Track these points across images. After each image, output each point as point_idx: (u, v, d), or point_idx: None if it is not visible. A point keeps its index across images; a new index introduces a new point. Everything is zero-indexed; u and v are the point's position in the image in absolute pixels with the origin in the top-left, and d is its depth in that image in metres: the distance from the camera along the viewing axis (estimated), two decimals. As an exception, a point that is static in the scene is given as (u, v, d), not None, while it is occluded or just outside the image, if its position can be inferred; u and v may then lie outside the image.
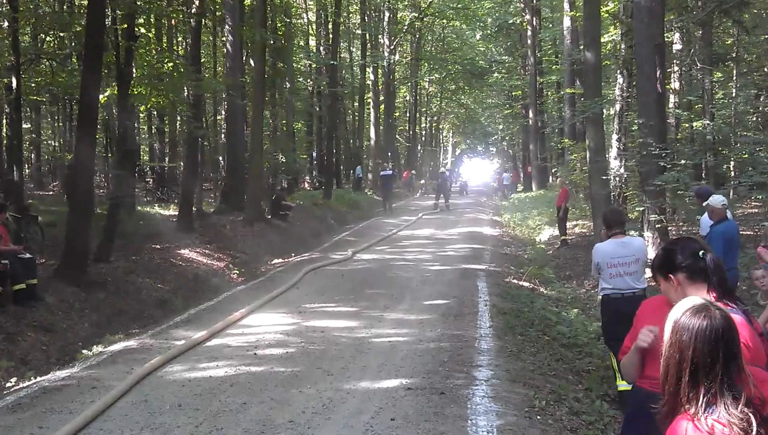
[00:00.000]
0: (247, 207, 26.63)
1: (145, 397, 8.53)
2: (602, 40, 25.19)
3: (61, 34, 26.81)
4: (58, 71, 25.78)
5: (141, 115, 37.18)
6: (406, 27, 59.99)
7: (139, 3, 21.34)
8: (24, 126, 28.38)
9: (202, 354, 10.53)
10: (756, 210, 21.20)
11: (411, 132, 73.78)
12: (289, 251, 23.44)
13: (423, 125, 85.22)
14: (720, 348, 2.86)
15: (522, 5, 50.86)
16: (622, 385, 8.95)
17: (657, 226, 16.89)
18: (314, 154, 51.64)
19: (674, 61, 26.00)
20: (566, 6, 37.12)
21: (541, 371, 9.87)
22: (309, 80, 49.74)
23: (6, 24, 23.05)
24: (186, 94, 26.35)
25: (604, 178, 20.52)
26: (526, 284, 17.59)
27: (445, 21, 61.91)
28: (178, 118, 34.26)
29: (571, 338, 12.33)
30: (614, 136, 25.47)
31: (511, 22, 54.95)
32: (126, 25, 19.85)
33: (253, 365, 9.86)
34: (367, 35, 53.09)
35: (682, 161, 18.22)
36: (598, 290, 9.87)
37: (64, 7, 28.39)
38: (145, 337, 12.02)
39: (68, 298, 14.60)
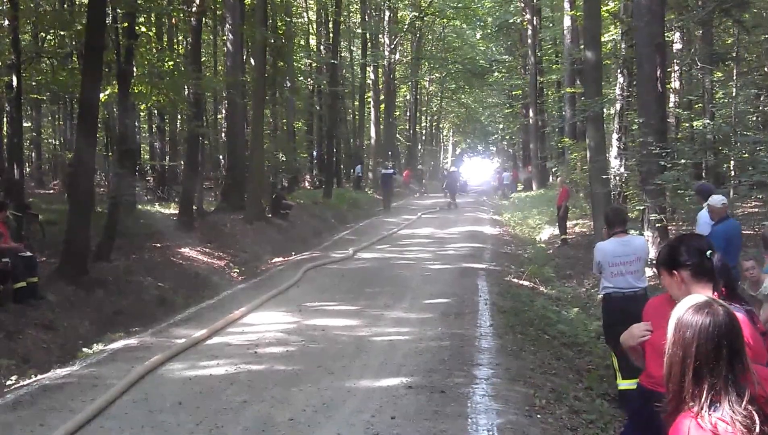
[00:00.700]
0: (248, 206, 26.64)
1: (145, 395, 8.54)
2: (602, 39, 25.18)
3: (62, 33, 26.76)
4: (59, 70, 25.80)
5: (141, 113, 37.14)
6: (406, 26, 60.03)
7: (139, 2, 21.32)
8: (24, 124, 28.34)
9: (202, 352, 10.55)
10: (756, 209, 21.19)
11: (411, 131, 73.76)
12: (290, 250, 23.44)
13: (423, 124, 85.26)
14: (723, 345, 2.85)
15: (522, 4, 50.83)
16: (623, 384, 8.96)
17: (657, 225, 16.89)
18: (314, 153, 51.64)
19: (674, 60, 25.99)
20: (566, 5, 37.08)
21: (542, 370, 9.88)
22: (309, 79, 49.71)
23: (6, 22, 23.02)
24: (186, 92, 26.32)
25: (604, 177, 20.50)
26: (526, 283, 17.60)
27: (445, 20, 61.91)
28: (179, 116, 34.24)
29: (572, 337, 12.34)
30: (614, 136, 25.45)
31: (511, 21, 54.94)
32: (126, 24, 19.86)
33: (254, 364, 9.87)
34: (368, 34, 53.09)
35: (683, 160, 18.20)
36: (599, 289, 9.87)
37: (65, 5, 28.36)
38: (145, 336, 12.03)
39: (69, 297, 14.60)
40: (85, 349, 11.79)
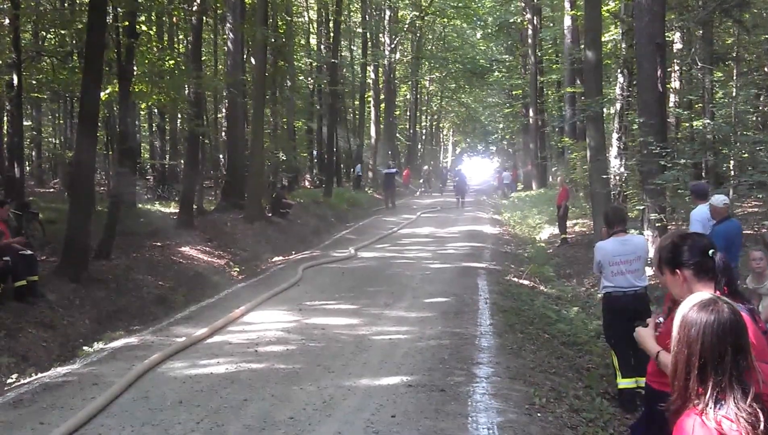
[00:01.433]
0: (248, 205, 26.65)
1: (146, 394, 8.55)
2: (603, 39, 25.19)
3: (63, 32, 26.78)
4: (59, 68, 25.81)
5: (142, 112, 37.21)
6: (406, 26, 60.04)
7: (140, 1, 21.33)
8: (25, 123, 28.34)
9: (202, 351, 10.55)
10: (756, 209, 21.21)
11: (411, 130, 73.82)
12: (290, 249, 23.47)
13: (423, 124, 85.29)
14: (728, 342, 2.86)
15: (523, 4, 50.84)
16: (622, 383, 8.99)
17: (657, 224, 16.89)
18: (314, 153, 51.65)
19: (675, 60, 25.99)
20: (567, 5, 37.05)
21: (542, 369, 9.88)
22: (310, 78, 49.74)
23: (7, 21, 23.05)
24: (187, 91, 26.34)
25: (604, 176, 20.53)
26: (526, 282, 17.61)
27: (445, 20, 61.89)
28: (179, 115, 34.23)
29: (571, 336, 12.34)
30: (614, 135, 25.46)
31: (511, 21, 54.98)
32: (127, 23, 19.86)
33: (254, 362, 9.88)
34: (368, 34, 53.10)
35: (683, 160, 18.20)
36: (599, 288, 9.88)
37: (66, 4, 28.37)
38: (145, 334, 12.04)
39: (69, 295, 14.61)
40: (85, 348, 11.81)
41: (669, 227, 16.74)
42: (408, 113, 74.35)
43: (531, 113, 49.82)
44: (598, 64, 21.34)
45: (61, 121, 38.96)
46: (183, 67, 24.90)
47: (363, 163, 52.83)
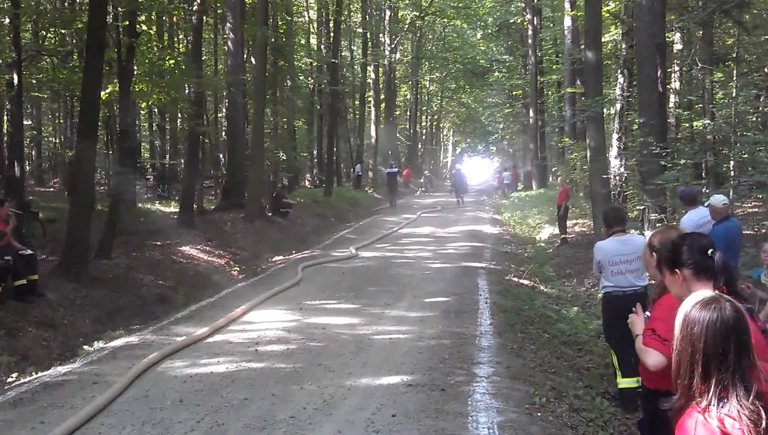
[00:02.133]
0: (248, 204, 26.66)
1: (146, 393, 8.56)
2: (603, 39, 25.18)
3: (63, 31, 26.78)
4: (60, 68, 25.78)
5: (142, 112, 37.22)
6: (407, 26, 60.07)
7: (140, 0, 21.33)
8: (25, 122, 28.35)
9: (203, 350, 10.56)
10: (756, 209, 21.21)
11: (411, 130, 73.85)
12: (290, 248, 23.47)
13: (423, 124, 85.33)
14: (731, 339, 2.86)
15: (523, 4, 50.79)
16: (623, 383, 8.99)
17: (657, 225, 16.89)
18: (315, 152, 51.66)
19: (675, 60, 26.00)
20: (567, 5, 37.06)
21: (542, 368, 9.89)
22: (310, 78, 49.75)
23: (7, 20, 23.03)
24: (187, 91, 26.35)
25: (604, 177, 20.53)
26: (526, 282, 17.61)
27: (446, 20, 61.93)
28: (179, 115, 34.25)
29: (572, 336, 12.36)
30: (615, 136, 25.44)
31: (512, 21, 54.93)
32: (127, 22, 19.87)
33: (254, 361, 9.89)
34: (368, 34, 53.08)
35: (683, 161, 18.20)
36: (599, 288, 9.88)
37: (66, 3, 28.38)
38: (146, 333, 12.05)
39: (69, 294, 14.63)
40: (85, 347, 11.81)
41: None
42: (408, 113, 74.39)
43: (531, 113, 49.78)
44: (598, 64, 21.34)
45: (62, 121, 39.00)
46: (183, 67, 24.87)
47: (363, 163, 52.83)
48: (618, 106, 25.45)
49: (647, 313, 5.12)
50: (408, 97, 72.77)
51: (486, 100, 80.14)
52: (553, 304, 15.28)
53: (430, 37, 70.03)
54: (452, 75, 71.80)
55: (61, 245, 16.48)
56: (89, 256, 16.55)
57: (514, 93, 61.58)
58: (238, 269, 20.18)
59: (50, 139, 42.58)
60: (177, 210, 25.62)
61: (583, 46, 24.15)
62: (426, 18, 60.38)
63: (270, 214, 27.77)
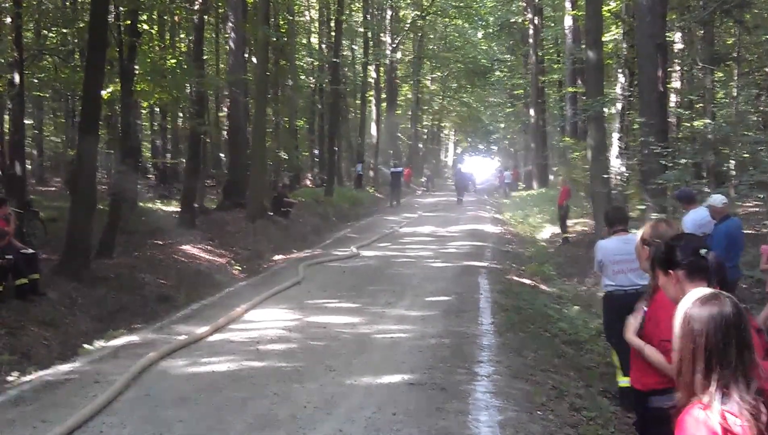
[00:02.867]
0: (249, 203, 26.65)
1: (147, 392, 8.56)
2: (604, 39, 25.19)
3: (64, 30, 26.81)
4: (61, 67, 25.85)
5: (143, 111, 37.25)
6: (408, 25, 60.02)
7: (142, -1, 21.38)
8: (26, 122, 28.38)
9: (204, 349, 10.56)
10: (756, 209, 21.24)
11: (413, 130, 73.81)
12: (291, 248, 23.48)
13: (425, 123, 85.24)
14: (732, 334, 2.87)
15: (524, 4, 50.86)
16: (623, 382, 8.98)
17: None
18: (316, 152, 51.65)
19: (676, 60, 26.04)
20: (568, 5, 37.10)
21: (542, 367, 9.89)
22: (311, 78, 49.71)
23: (9, 20, 23.06)
24: (188, 90, 26.37)
25: (605, 176, 20.55)
26: (527, 281, 17.62)
27: (447, 19, 61.81)
28: (181, 114, 34.30)
29: (572, 335, 12.36)
30: (615, 135, 25.51)
31: (513, 20, 54.98)
32: (129, 22, 19.87)
33: (256, 360, 9.90)
34: (370, 33, 53.01)
35: (683, 160, 18.23)
36: (600, 287, 9.89)
37: (67, 3, 28.41)
38: (147, 332, 12.06)
39: (70, 293, 14.62)
40: (86, 346, 11.80)
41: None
42: (409, 112, 74.30)
43: (532, 113, 49.84)
44: (599, 64, 21.35)
45: (63, 120, 39.03)
46: (185, 66, 24.90)
47: (364, 163, 52.80)
48: (619, 105, 25.52)
49: (644, 307, 5.13)
50: (409, 96, 72.68)
51: (487, 99, 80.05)
52: (554, 303, 15.30)
53: (432, 36, 70.00)
54: (453, 74, 71.78)
55: (63, 244, 16.47)
56: (90, 255, 16.54)
57: (515, 92, 61.64)
58: (240, 268, 20.17)
59: (52, 138, 42.60)
60: (178, 209, 25.62)
61: (584, 46, 24.19)
62: (427, 17, 60.30)
63: (271, 213, 27.75)
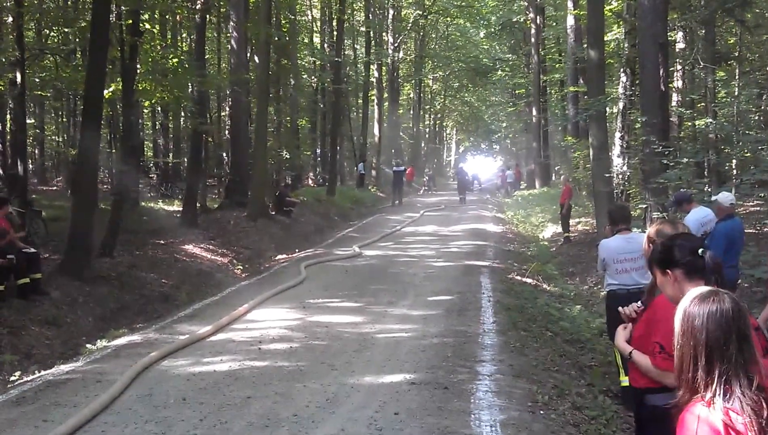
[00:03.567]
0: (251, 203, 26.68)
1: (149, 391, 8.55)
2: (606, 38, 25.20)
3: (66, 30, 26.84)
4: (63, 66, 25.84)
5: (145, 110, 37.25)
6: (410, 24, 60.06)
7: (143, -2, 21.38)
8: (28, 121, 28.39)
9: (206, 348, 10.55)
10: (758, 208, 21.21)
11: (415, 129, 73.82)
12: (293, 247, 23.48)
13: (427, 122, 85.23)
14: (732, 330, 2.89)
15: (526, 3, 50.88)
16: (625, 381, 8.98)
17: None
18: (318, 151, 51.66)
19: (677, 59, 26.01)
20: (570, 4, 37.10)
21: (544, 366, 9.89)
22: (313, 77, 49.69)
23: (11, 19, 23.08)
24: (190, 90, 26.37)
25: (607, 175, 20.55)
26: (529, 281, 17.59)
27: (449, 19, 61.93)
28: (182, 113, 34.31)
29: (574, 334, 12.36)
30: (617, 134, 25.47)
31: (515, 20, 55.01)
32: (131, 21, 19.87)
33: (258, 360, 9.89)
34: (372, 32, 53.02)
35: (685, 159, 18.22)
36: (603, 286, 9.88)
37: (69, 2, 28.42)
38: (149, 332, 12.04)
39: (72, 293, 14.64)
40: (88, 345, 11.82)
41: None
42: (411, 112, 74.30)
43: (534, 112, 49.84)
44: (600, 63, 21.35)
45: (65, 119, 39.05)
46: (186, 66, 24.90)
47: (366, 162, 52.79)
48: (621, 104, 25.48)
49: (640, 304, 5.13)
50: (411, 95, 72.74)
51: (489, 98, 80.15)
52: (556, 302, 15.27)
53: (434, 35, 70.09)
54: (455, 74, 71.88)
55: (64, 244, 16.50)
56: (92, 254, 16.56)
57: (517, 92, 61.67)
58: (241, 268, 20.19)
59: (53, 137, 42.63)
60: (180, 208, 25.66)
61: (585, 45, 24.20)
62: (429, 17, 60.39)
63: (273, 212, 27.78)
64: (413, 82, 68.67)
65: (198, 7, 25.49)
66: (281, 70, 38.29)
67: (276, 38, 31.87)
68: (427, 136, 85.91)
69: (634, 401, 5.31)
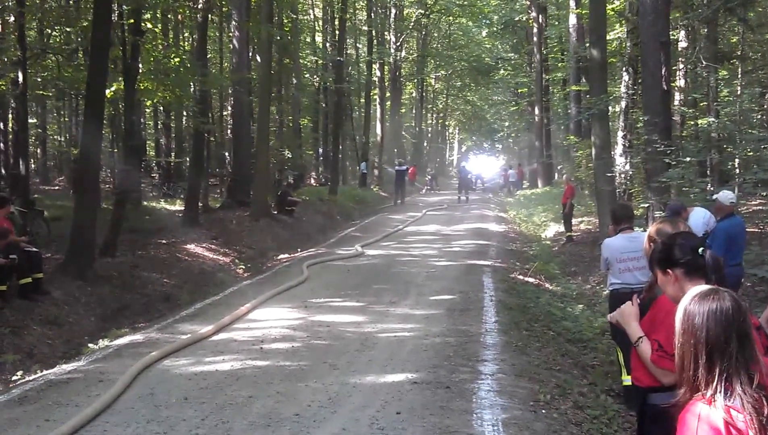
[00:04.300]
0: (253, 202, 26.69)
1: (151, 391, 8.55)
2: (608, 37, 25.20)
3: (68, 29, 26.85)
4: (65, 66, 25.83)
5: (147, 110, 37.27)
6: (412, 24, 60.06)
7: (145, -2, 21.38)
8: (30, 121, 28.42)
9: (208, 348, 10.55)
10: (761, 207, 21.19)
11: (417, 128, 73.83)
12: (295, 246, 23.48)
13: (429, 122, 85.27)
14: (732, 327, 2.89)
15: (528, 2, 50.90)
16: (627, 380, 8.97)
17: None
18: (320, 150, 51.66)
19: (679, 58, 25.98)
20: (572, 3, 37.12)
21: (546, 366, 9.88)
22: (315, 76, 49.74)
23: (12, 19, 23.09)
24: (192, 89, 26.37)
25: (609, 174, 20.54)
26: (531, 280, 17.58)
27: (451, 18, 61.92)
28: (185, 113, 34.30)
29: (576, 333, 12.34)
30: (620, 133, 25.47)
31: (517, 19, 55.02)
32: (132, 20, 19.86)
33: (259, 359, 9.88)
34: (374, 32, 53.00)
35: (687, 158, 18.19)
36: (606, 285, 9.86)
37: (71, 1, 28.42)
38: (151, 331, 12.04)
39: (74, 292, 14.64)
40: (90, 345, 11.83)
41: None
42: (414, 111, 74.34)
43: (536, 111, 49.84)
44: (603, 62, 21.35)
45: (66, 119, 39.11)
46: (188, 65, 24.89)
47: (368, 161, 52.81)
48: (623, 103, 25.48)
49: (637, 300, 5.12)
50: (413, 94, 72.77)
51: (491, 98, 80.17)
52: (558, 301, 15.26)
53: (436, 35, 70.10)
54: (458, 73, 71.88)
55: (66, 243, 16.49)
56: (94, 254, 16.56)
57: (519, 91, 61.68)
58: (244, 267, 20.19)
59: (55, 137, 42.68)
60: (182, 208, 25.66)
61: (588, 44, 24.17)
62: (431, 16, 60.39)
63: (275, 212, 27.78)
64: (415, 81, 68.68)
65: (200, 6, 25.49)
66: (283, 69, 38.34)
67: (278, 37, 31.92)
68: (429, 135, 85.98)
69: (637, 400, 5.30)
